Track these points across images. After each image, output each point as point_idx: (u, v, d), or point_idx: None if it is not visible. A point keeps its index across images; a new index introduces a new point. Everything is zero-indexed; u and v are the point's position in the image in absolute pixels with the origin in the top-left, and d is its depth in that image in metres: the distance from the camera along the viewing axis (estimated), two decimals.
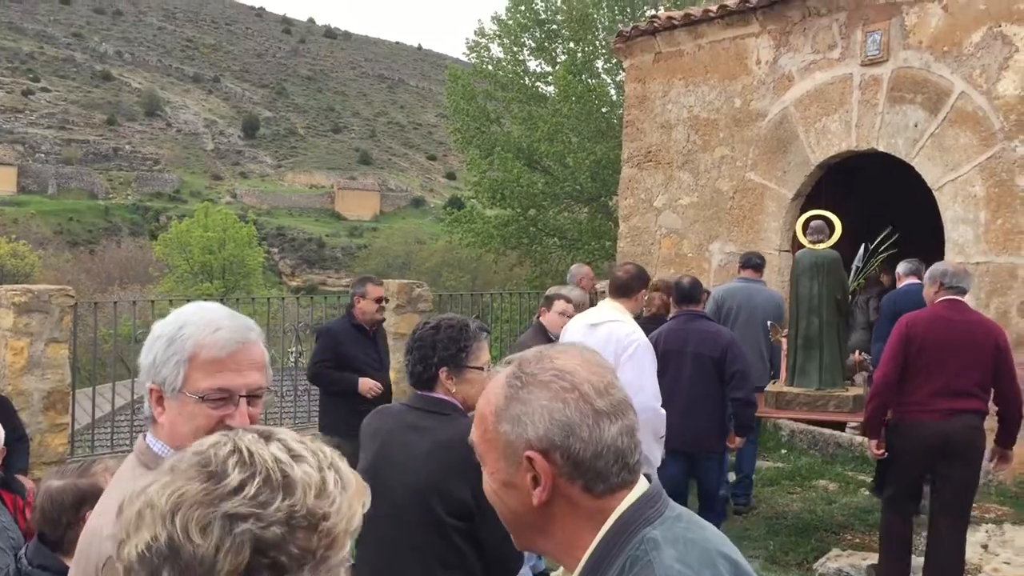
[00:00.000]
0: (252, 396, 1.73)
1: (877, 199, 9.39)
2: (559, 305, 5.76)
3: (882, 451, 5.10)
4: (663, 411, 4.66)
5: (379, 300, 6.02)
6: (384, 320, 6.29)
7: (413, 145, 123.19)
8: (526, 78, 23.97)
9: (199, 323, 1.72)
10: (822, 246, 6.15)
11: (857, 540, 6.18)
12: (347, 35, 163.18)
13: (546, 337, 5.89)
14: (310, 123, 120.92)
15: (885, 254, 6.56)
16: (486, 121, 23.46)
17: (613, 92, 22.95)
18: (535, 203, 22.32)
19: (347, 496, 1.05)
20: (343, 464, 1.09)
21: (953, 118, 7.54)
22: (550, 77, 23.63)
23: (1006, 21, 7.20)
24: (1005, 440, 5.09)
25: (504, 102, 23.74)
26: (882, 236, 6.56)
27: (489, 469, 1.38)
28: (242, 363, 1.72)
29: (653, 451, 4.61)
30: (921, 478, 5.12)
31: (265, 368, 1.77)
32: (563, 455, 1.30)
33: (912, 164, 7.82)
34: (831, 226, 6.19)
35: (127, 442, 8.30)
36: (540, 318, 5.96)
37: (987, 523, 6.52)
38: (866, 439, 5.81)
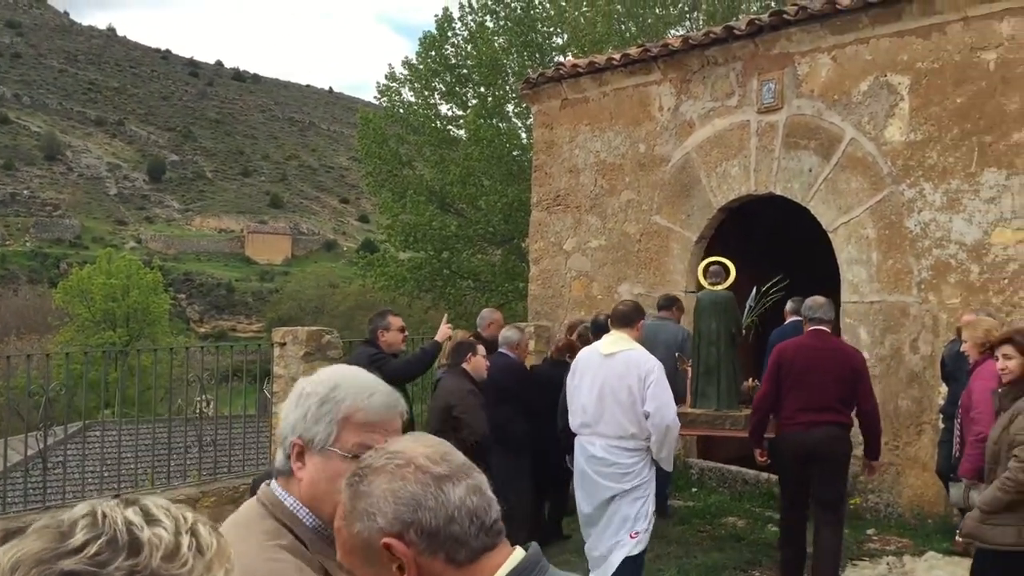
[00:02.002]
0: None
1: (780, 240, 9.70)
2: (482, 350, 6.13)
3: (765, 458, 6.03)
4: (679, 424, 5.37)
5: (402, 330, 6.29)
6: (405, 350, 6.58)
7: (325, 188, 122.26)
8: (437, 122, 24.09)
9: (354, 386, 1.79)
10: (719, 288, 6.90)
11: None
12: (256, 78, 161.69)
13: (471, 381, 5.93)
14: (218, 166, 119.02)
15: (775, 296, 7.20)
16: (398, 164, 23.48)
17: (524, 135, 23.25)
18: (448, 246, 22.35)
19: (203, 561, 1.04)
20: (205, 529, 1.09)
21: (845, 163, 7.87)
22: (461, 121, 23.81)
23: (891, 71, 7.59)
24: (869, 453, 5.93)
25: (416, 145, 23.82)
26: (773, 281, 7.23)
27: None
28: (388, 429, 1.76)
29: (670, 460, 5.42)
30: (802, 484, 5.82)
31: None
32: (417, 531, 1.28)
33: (808, 207, 8.12)
34: (727, 270, 6.95)
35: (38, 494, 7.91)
36: (465, 364, 6.05)
37: (888, 555, 6.72)
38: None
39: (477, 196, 21.70)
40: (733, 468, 8.30)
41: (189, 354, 9.02)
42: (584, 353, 5.56)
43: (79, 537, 1.00)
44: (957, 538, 6.19)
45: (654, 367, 5.23)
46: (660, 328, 7.58)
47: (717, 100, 8.82)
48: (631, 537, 5.25)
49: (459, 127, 24.10)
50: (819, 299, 6.02)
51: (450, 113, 24.50)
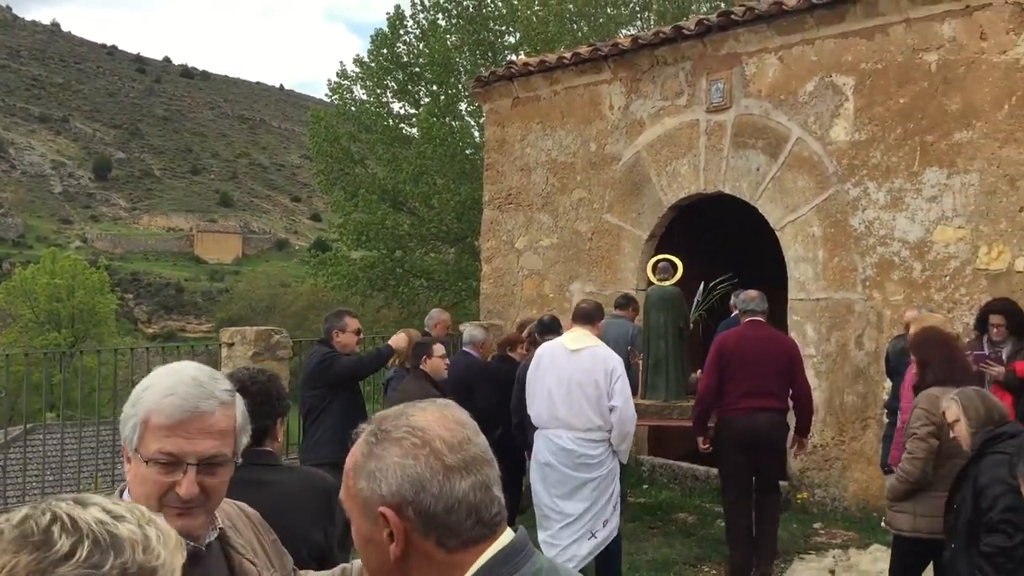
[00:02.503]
0: (206, 464, 1.70)
1: (732, 238, 9.80)
2: (439, 349, 6.07)
3: (707, 446, 6.31)
4: (636, 417, 5.64)
5: (358, 332, 6.18)
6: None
7: (276, 187, 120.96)
8: (390, 120, 23.96)
9: (158, 387, 1.73)
10: (668, 283, 7.30)
11: (714, 572, 6.36)
12: (205, 75, 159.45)
13: (432, 383, 5.88)
14: (166, 164, 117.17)
15: (721, 291, 7.56)
16: (350, 162, 23.31)
17: (477, 134, 23.21)
18: (401, 244, 22.25)
19: (169, 549, 1.07)
20: (160, 520, 1.11)
21: (791, 162, 7.98)
22: (414, 119, 23.70)
23: (836, 72, 7.70)
24: (801, 431, 6.31)
25: (368, 144, 23.65)
26: (721, 278, 7.57)
27: (354, 526, 1.40)
28: (193, 431, 1.69)
29: (627, 453, 5.67)
30: (745, 469, 6.10)
31: (227, 435, 1.74)
32: (415, 510, 1.32)
33: (756, 206, 8.22)
34: (675, 267, 7.33)
35: None
36: (422, 365, 5.99)
37: (834, 548, 6.82)
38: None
39: (430, 195, 21.62)
40: (683, 464, 8.38)
41: (136, 355, 8.86)
42: (548, 349, 5.69)
43: (63, 543, 1.00)
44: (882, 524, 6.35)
45: (619, 363, 5.50)
46: (611, 324, 7.64)
47: (667, 99, 8.88)
48: (603, 525, 5.43)
49: (412, 125, 23.98)
50: (752, 292, 6.37)
51: (402, 111, 24.39)
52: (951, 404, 4.10)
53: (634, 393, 6.90)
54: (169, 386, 1.72)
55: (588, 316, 5.71)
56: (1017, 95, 6.71)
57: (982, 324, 6.38)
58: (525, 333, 7.79)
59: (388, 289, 23.06)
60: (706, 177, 8.57)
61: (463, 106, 23.51)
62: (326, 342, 6.13)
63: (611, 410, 5.38)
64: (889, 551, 6.67)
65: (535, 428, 5.71)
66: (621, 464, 5.89)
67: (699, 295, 7.52)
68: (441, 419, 1.40)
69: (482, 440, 1.41)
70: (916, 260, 7.24)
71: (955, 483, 4.09)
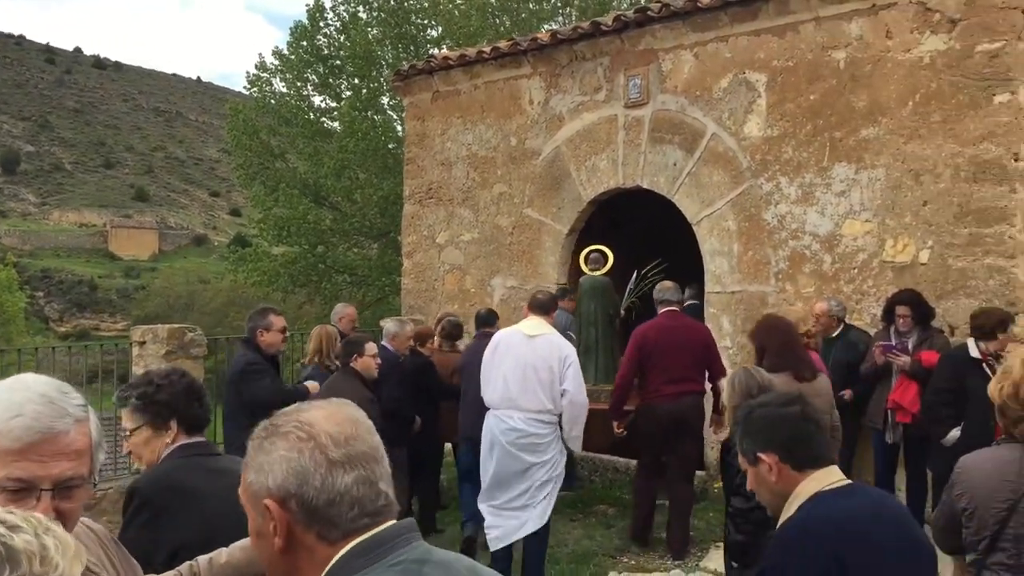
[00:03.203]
0: (62, 487, 1.56)
1: (648, 232, 9.91)
2: (371, 348, 6.03)
3: (622, 430, 6.67)
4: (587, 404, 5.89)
5: (283, 331, 6.03)
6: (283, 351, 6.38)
7: (194, 181, 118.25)
8: (311, 113, 23.65)
9: (1, 405, 1.55)
10: (598, 273, 7.69)
11: (633, 562, 6.43)
12: (118, 66, 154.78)
13: (362, 381, 5.78)
14: (78, 158, 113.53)
15: (653, 280, 7.72)
16: (270, 157, 22.94)
17: (399, 128, 23.06)
18: (323, 240, 21.99)
19: (67, 559, 1.06)
20: (58, 528, 1.09)
21: (707, 157, 8.11)
22: (335, 113, 23.44)
23: (749, 68, 7.86)
24: (717, 408, 6.64)
25: (289, 137, 23.31)
26: (651, 265, 7.99)
27: (248, 520, 1.44)
28: (46, 453, 1.54)
29: (579, 440, 5.92)
30: (661, 450, 6.50)
31: (83, 455, 1.60)
32: (298, 503, 1.35)
33: (673, 200, 8.33)
34: (606, 257, 7.73)
35: None
36: (353, 363, 5.88)
37: None
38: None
39: (352, 189, 21.41)
40: (604, 457, 8.45)
41: (43, 354, 8.55)
42: (505, 335, 5.97)
43: None
44: None
45: (572, 351, 5.85)
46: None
47: (586, 94, 8.94)
48: (537, 508, 5.72)
49: (333, 119, 23.72)
50: (667, 283, 6.73)
51: (323, 105, 24.11)
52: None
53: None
54: (14, 404, 1.55)
55: (544, 306, 6.01)
56: (921, 93, 6.93)
57: (889, 315, 6.59)
58: (439, 327, 7.82)
59: (310, 285, 22.78)
60: (624, 172, 8.66)
61: (385, 100, 23.33)
62: (249, 341, 5.92)
63: (562, 394, 5.65)
64: None
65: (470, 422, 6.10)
66: (572, 453, 6.26)
67: (632, 283, 7.89)
68: (331, 415, 1.42)
69: (373, 439, 1.43)
70: (826, 253, 7.44)
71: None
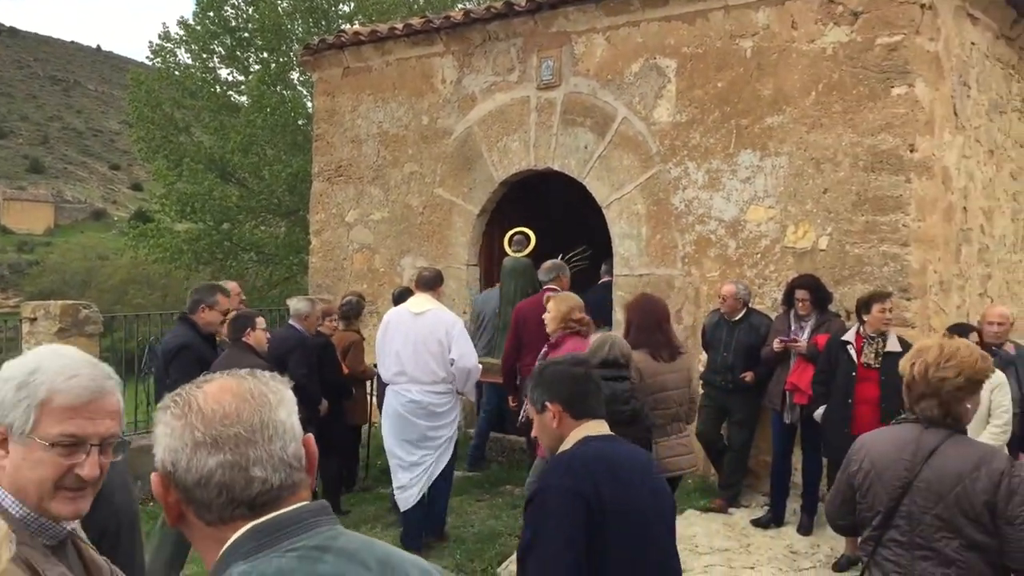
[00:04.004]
0: (105, 444, 1.73)
1: (560, 214, 9.96)
2: (262, 322, 6.06)
3: (516, 404, 6.73)
4: (480, 366, 6.42)
5: (225, 313, 5.99)
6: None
7: (93, 153, 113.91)
8: (217, 86, 23.00)
9: (54, 368, 1.70)
10: (520, 255, 7.96)
11: None
12: (13, 31, 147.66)
13: (256, 355, 5.75)
14: None
15: (579, 264, 8.31)
16: (174, 130, 22.22)
17: (310, 104, 22.62)
18: (229, 217, 21.45)
19: None
20: None
21: (617, 141, 8.18)
22: (243, 87, 22.84)
23: (660, 54, 7.94)
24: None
25: (194, 111, 22.62)
26: (576, 251, 8.34)
27: None
28: (96, 411, 1.70)
29: (472, 390, 6.68)
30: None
31: (120, 417, 1.76)
32: (173, 480, 1.33)
33: (584, 183, 8.38)
34: (528, 239, 8.04)
35: None
36: (246, 338, 5.81)
37: None
38: None
39: (260, 166, 20.93)
40: (511, 437, 8.49)
41: None
42: (393, 314, 6.33)
43: None
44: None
45: (457, 322, 6.29)
46: (491, 296, 8.57)
47: (499, 75, 8.91)
48: (438, 470, 6.20)
49: (241, 93, 23.13)
50: (545, 264, 7.11)
51: (231, 78, 23.48)
52: None
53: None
54: (69, 367, 1.70)
55: (429, 283, 6.37)
56: (823, 83, 7.12)
57: (789, 299, 6.77)
58: (340, 305, 7.80)
59: (215, 263, 22.20)
60: (536, 153, 8.66)
61: (295, 75, 22.85)
62: (186, 318, 5.83)
63: (452, 363, 6.10)
64: (702, 515, 7.03)
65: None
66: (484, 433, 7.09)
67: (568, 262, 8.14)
68: (222, 390, 1.36)
69: (257, 419, 1.33)
70: (731, 238, 7.59)
71: None
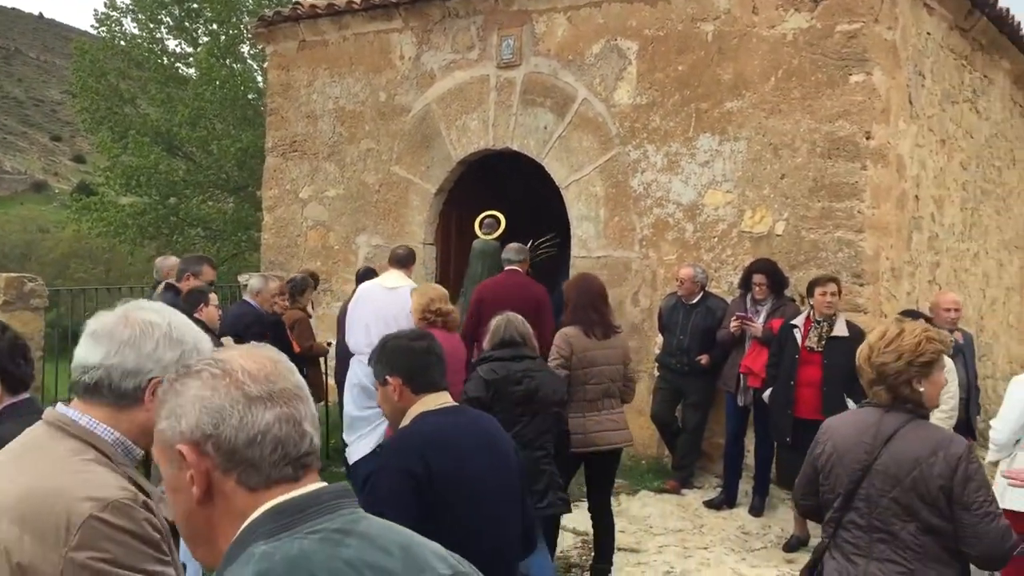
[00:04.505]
0: None
1: (517, 194, 9.91)
2: (214, 298, 6.01)
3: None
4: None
5: (211, 284, 6.13)
6: None
7: (33, 124, 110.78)
8: (164, 58, 22.44)
9: (185, 322, 1.89)
10: (490, 237, 7.87)
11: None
12: None
13: (208, 331, 5.66)
14: None
15: (548, 252, 8.43)
16: (119, 101, 21.64)
17: (260, 79, 22.23)
18: (176, 191, 20.98)
19: None
20: None
21: (577, 122, 8.15)
22: (191, 59, 22.33)
23: (621, 36, 7.91)
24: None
25: (140, 82, 22.07)
26: (545, 238, 8.39)
27: (163, 475, 1.33)
28: None
29: None
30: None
31: None
32: (215, 445, 1.26)
33: (543, 164, 8.34)
34: (499, 222, 7.98)
35: None
36: (198, 314, 5.69)
37: None
38: None
39: (208, 140, 20.49)
40: None
41: None
42: (366, 288, 6.41)
43: None
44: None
45: None
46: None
47: (458, 52, 8.81)
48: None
49: (189, 65, 22.60)
50: (512, 245, 7.15)
51: (179, 50, 22.91)
52: None
53: None
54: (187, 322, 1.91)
55: (403, 260, 6.58)
56: (783, 68, 7.16)
57: (746, 283, 6.83)
58: (286, 282, 7.73)
59: (161, 238, 21.70)
60: (495, 133, 8.60)
61: (246, 48, 22.39)
62: (172, 286, 5.89)
63: None
64: (656, 496, 7.09)
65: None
66: None
67: (534, 249, 8.19)
68: (249, 354, 1.33)
69: (295, 378, 1.34)
70: (689, 222, 7.63)
71: None
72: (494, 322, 4.86)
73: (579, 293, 5.59)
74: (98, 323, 1.85)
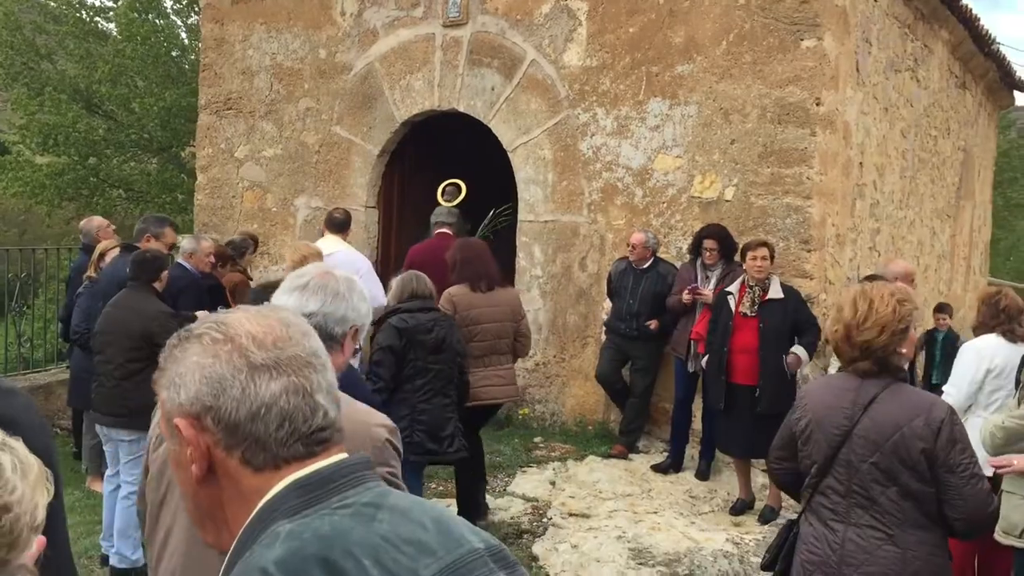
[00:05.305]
0: None
1: (462, 156, 9.73)
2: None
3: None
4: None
5: (171, 247, 6.14)
6: None
7: None
8: (83, 12, 21.46)
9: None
10: (450, 205, 7.66)
11: (441, 488, 6.39)
12: None
13: (157, 295, 5.47)
14: None
15: (505, 220, 8.41)
16: (35, 56, 20.64)
17: (184, 36, 21.44)
18: (96, 151, 20.18)
19: (29, 484, 0.93)
20: (19, 445, 0.96)
21: (526, 84, 8.00)
22: (111, 13, 21.41)
23: None
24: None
25: (57, 37, 21.09)
26: (505, 207, 8.44)
27: (168, 449, 1.22)
28: None
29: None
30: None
31: None
32: (215, 418, 1.12)
33: (490, 126, 8.18)
34: (459, 189, 7.87)
35: None
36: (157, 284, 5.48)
37: (553, 461, 7.10)
38: None
39: (130, 98, 19.70)
40: None
41: None
42: None
43: None
44: None
45: (366, 264, 6.43)
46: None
47: (402, 10, 8.55)
48: None
49: (109, 20, 21.68)
50: (441, 208, 7.32)
51: (98, 3, 21.95)
52: None
53: None
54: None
55: (340, 225, 6.58)
56: (735, 32, 7.11)
57: (696, 248, 6.81)
58: (225, 243, 7.52)
59: (80, 199, 20.89)
60: (441, 94, 8.39)
61: (169, 3, 21.58)
62: (131, 247, 5.73)
63: None
64: (603, 461, 7.08)
65: None
66: None
67: (487, 220, 8.41)
68: (256, 316, 1.18)
69: (310, 343, 1.18)
70: (638, 186, 7.57)
71: None
72: (400, 278, 5.11)
73: (463, 251, 5.76)
74: (304, 277, 2.17)
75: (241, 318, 1.18)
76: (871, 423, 2.89)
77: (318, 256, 5.22)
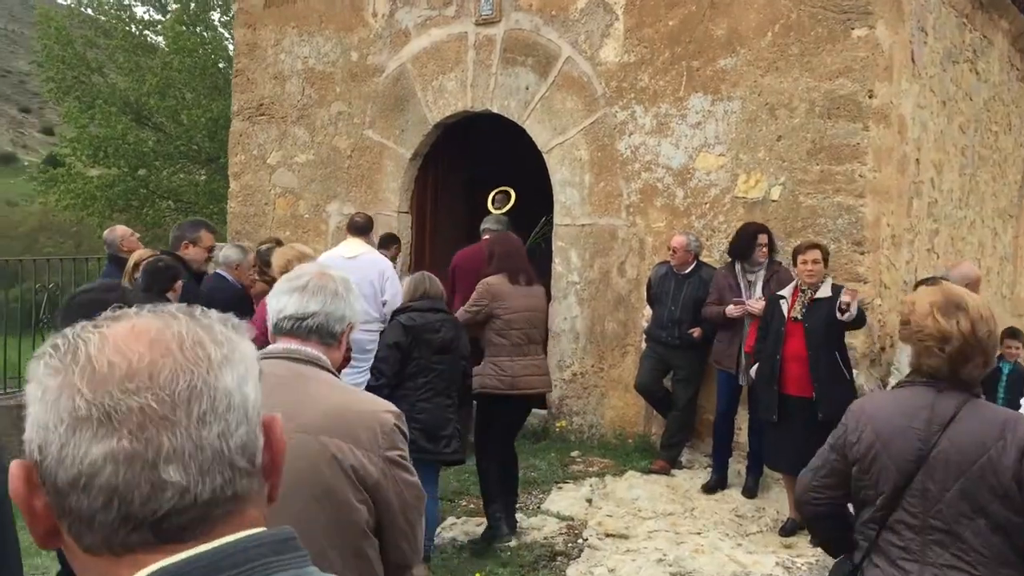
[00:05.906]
0: None
1: (496, 158, 9.45)
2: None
3: None
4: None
5: (210, 249, 5.98)
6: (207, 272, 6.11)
7: (1, 95, 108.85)
8: (132, 25, 21.74)
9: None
10: (500, 212, 7.80)
11: (472, 505, 6.09)
12: None
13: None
14: None
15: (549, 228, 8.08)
16: (86, 70, 20.96)
17: (231, 47, 21.57)
18: (145, 162, 20.38)
19: None
20: None
21: (561, 82, 7.68)
22: (160, 27, 21.64)
23: None
24: None
25: (107, 51, 21.38)
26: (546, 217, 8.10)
27: None
28: None
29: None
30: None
31: None
32: (41, 475, 0.82)
33: (524, 126, 7.88)
34: (509, 197, 8.14)
35: None
36: (171, 293, 5.36)
37: (591, 477, 6.74)
38: None
39: (178, 110, 19.90)
40: None
41: None
42: (326, 258, 6.25)
43: None
44: None
45: (389, 266, 6.50)
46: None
47: (434, 9, 8.30)
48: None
49: (157, 33, 21.92)
50: (492, 215, 7.38)
51: (147, 17, 22.24)
52: None
53: None
54: None
55: (362, 228, 6.58)
56: (780, 23, 6.72)
57: (735, 250, 6.40)
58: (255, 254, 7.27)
59: (130, 211, 21.10)
60: (474, 94, 8.12)
61: (216, 16, 21.74)
62: (170, 254, 5.63)
63: (384, 304, 6.19)
64: (643, 477, 6.70)
65: None
66: None
67: (538, 228, 8.25)
68: (133, 334, 0.83)
69: (193, 383, 0.82)
70: (679, 187, 7.20)
71: None
72: (412, 278, 5.28)
73: (503, 245, 5.82)
74: (303, 279, 2.22)
75: (96, 337, 0.83)
76: (952, 445, 2.47)
77: (305, 258, 5.03)
